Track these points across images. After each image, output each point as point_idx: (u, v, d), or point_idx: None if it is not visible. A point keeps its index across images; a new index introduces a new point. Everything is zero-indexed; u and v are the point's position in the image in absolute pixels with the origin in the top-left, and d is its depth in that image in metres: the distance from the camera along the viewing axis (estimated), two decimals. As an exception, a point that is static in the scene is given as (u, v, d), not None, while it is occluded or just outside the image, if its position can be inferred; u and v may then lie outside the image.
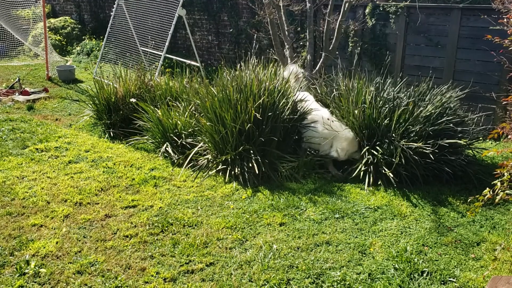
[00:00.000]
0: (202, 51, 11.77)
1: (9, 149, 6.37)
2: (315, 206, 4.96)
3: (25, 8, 13.06)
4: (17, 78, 9.69)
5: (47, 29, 11.68)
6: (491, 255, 3.97)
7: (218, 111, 5.77)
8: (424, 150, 5.25)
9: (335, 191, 5.33)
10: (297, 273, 3.79)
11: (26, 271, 3.80)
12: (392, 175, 5.28)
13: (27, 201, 4.99)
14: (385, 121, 5.64)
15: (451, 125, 5.67)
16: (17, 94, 9.23)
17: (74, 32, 14.15)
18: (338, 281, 3.67)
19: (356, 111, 5.80)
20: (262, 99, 5.70)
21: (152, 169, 5.88)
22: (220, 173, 5.68)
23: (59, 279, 3.72)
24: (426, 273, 3.78)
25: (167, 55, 9.33)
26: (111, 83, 7.42)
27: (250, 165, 5.49)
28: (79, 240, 4.28)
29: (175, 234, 4.41)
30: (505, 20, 3.99)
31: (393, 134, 5.53)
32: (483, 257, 4.05)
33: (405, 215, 4.78)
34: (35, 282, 3.69)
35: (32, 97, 9.11)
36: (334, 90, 6.31)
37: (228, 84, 5.99)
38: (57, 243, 4.21)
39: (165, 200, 5.08)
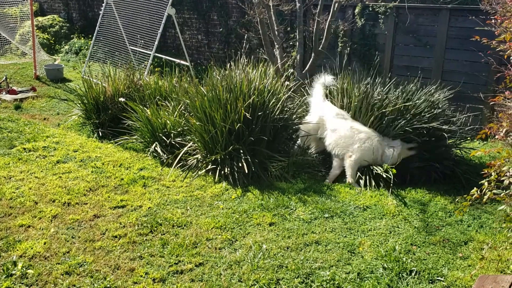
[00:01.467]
0: (192, 50, 11.74)
1: (-4, 149, 6.30)
2: (304, 206, 4.97)
3: (12, 6, 12.91)
4: (4, 77, 9.58)
5: (35, 28, 11.56)
6: (479, 254, 4.01)
7: (208, 110, 5.75)
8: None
9: (324, 191, 5.34)
10: (287, 273, 3.80)
11: (13, 272, 3.75)
12: (384, 175, 5.31)
13: (15, 201, 4.93)
14: (375, 121, 5.68)
15: (440, 125, 5.72)
16: (4, 93, 9.13)
17: (62, 31, 14.03)
18: (328, 281, 3.68)
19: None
20: (252, 98, 5.70)
21: (141, 169, 5.85)
22: (210, 173, 5.67)
23: (47, 280, 3.69)
24: (414, 272, 3.81)
25: (156, 54, 9.29)
26: (100, 82, 7.37)
27: (240, 164, 5.48)
28: (68, 241, 4.25)
29: (164, 234, 4.39)
30: (492, 21, 4.03)
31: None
32: (470, 256, 4.08)
33: (394, 215, 4.81)
34: (22, 283, 3.65)
35: (19, 96, 9.02)
36: (327, 90, 6.32)
37: (218, 83, 5.97)
38: (45, 243, 4.17)
39: (154, 200, 5.05)
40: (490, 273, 3.76)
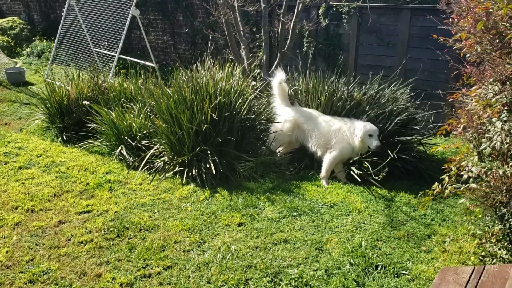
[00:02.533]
0: (158, 51, 11.62)
1: (-46, 156, 6.08)
2: (273, 205, 5.00)
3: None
4: (-38, 81, 9.27)
5: (-6, 30, 11.21)
6: (441, 247, 4.12)
7: (174, 112, 5.71)
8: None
9: (292, 189, 5.39)
10: (256, 273, 3.81)
11: (-26, 283, 3.64)
12: (353, 172, 5.40)
13: (-25, 209, 4.78)
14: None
15: (403, 122, 5.86)
16: (-38, 98, 8.82)
17: (23, 33, 13.65)
18: (296, 279, 3.72)
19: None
20: (218, 99, 5.69)
21: (107, 173, 5.76)
22: (177, 175, 5.63)
23: (10, 289, 3.59)
24: (380, 267, 3.89)
25: (121, 56, 9.15)
26: (63, 86, 7.21)
27: (208, 166, 5.47)
28: (31, 248, 4.14)
29: (131, 238, 4.34)
30: (450, 20, 4.15)
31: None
32: (434, 249, 4.20)
33: (360, 211, 4.90)
34: (-17, 294, 3.54)
35: (-22, 101, 8.73)
36: (291, 90, 6.37)
37: (184, 84, 5.94)
38: (7, 252, 4.06)
39: (121, 204, 4.99)
40: (452, 265, 3.88)
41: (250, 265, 3.92)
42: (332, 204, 5.05)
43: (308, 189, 5.43)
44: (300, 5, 7.36)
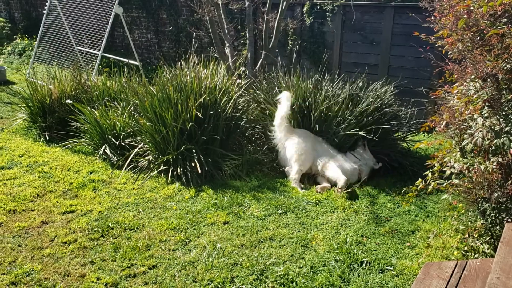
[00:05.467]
0: (142, 49, 11.54)
1: None
2: (258, 203, 5.00)
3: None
4: None
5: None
6: (425, 242, 4.16)
7: (158, 110, 5.68)
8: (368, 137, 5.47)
9: (278, 187, 5.40)
10: (241, 271, 3.81)
11: (-45, 285, 3.58)
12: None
13: (-45, 211, 4.70)
14: (326, 115, 5.80)
15: (387, 119, 5.91)
16: None
17: (4, 31, 13.45)
18: (282, 276, 3.72)
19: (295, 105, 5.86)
20: (203, 97, 5.67)
21: (91, 172, 5.71)
22: (162, 174, 5.60)
23: (-8, 291, 3.54)
24: (365, 263, 3.91)
25: (104, 54, 9.07)
26: (45, 84, 7.12)
27: (193, 164, 5.45)
28: (13, 249, 4.08)
29: (116, 238, 4.30)
30: (432, 18, 4.19)
31: (336, 127, 5.69)
32: (418, 245, 4.24)
33: (344, 208, 4.92)
34: (-36, 296, 3.48)
35: (-42, 100, 8.57)
36: (276, 87, 6.38)
37: (168, 83, 5.91)
38: (-12, 254, 4.00)
39: (105, 204, 4.94)
40: (436, 260, 3.92)
41: (236, 263, 3.91)
42: (317, 201, 5.07)
43: (293, 186, 5.43)
44: (285, 3, 7.36)
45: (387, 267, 3.88)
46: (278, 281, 3.67)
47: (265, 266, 3.87)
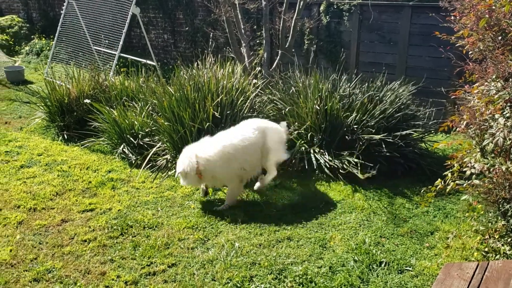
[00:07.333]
0: (158, 50, 11.60)
1: (-45, 155, 6.08)
2: (275, 203, 5.01)
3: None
4: (-38, 80, 9.26)
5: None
6: (444, 243, 4.13)
7: (176, 110, 5.72)
8: (387, 139, 5.46)
9: (295, 187, 5.40)
10: (260, 270, 3.82)
11: (-21, 281, 3.65)
12: (351, 170, 5.40)
13: (-23, 208, 4.78)
14: (344, 116, 5.77)
15: (404, 119, 5.87)
16: (-38, 97, 8.80)
17: (22, 31, 13.61)
18: (300, 275, 3.72)
19: (316, 106, 5.83)
20: (220, 97, 5.70)
21: (109, 171, 5.77)
22: (180, 173, 5.62)
23: (15, 288, 3.60)
24: (384, 263, 3.90)
25: (121, 54, 9.14)
26: (63, 84, 7.21)
27: (210, 164, 5.46)
28: (35, 247, 4.15)
29: (135, 236, 4.34)
30: (452, 17, 4.16)
31: (354, 128, 5.66)
32: (436, 246, 4.21)
33: (363, 208, 4.90)
34: (-12, 292, 3.55)
35: (-21, 99, 8.71)
36: (293, 87, 6.37)
37: (186, 83, 5.94)
38: (11, 251, 4.06)
39: (124, 202, 4.99)
40: (455, 261, 3.89)
41: (255, 262, 3.93)
42: (335, 201, 5.05)
43: (311, 187, 5.43)
44: (302, 2, 7.35)
45: (406, 268, 3.86)
46: (297, 281, 3.67)
47: (284, 266, 3.87)
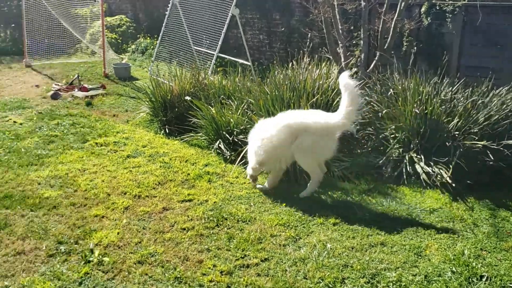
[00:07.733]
0: (253, 50, 11.87)
1: (70, 143, 6.68)
2: (369, 207, 4.94)
3: (84, 7, 13.63)
4: (76, 75, 10.15)
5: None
6: (555, 263, 3.83)
7: (271, 109, 5.84)
8: (491, 146, 5.19)
9: (389, 193, 5.28)
10: (352, 273, 3.80)
11: (91, 259, 3.99)
12: (449, 179, 5.17)
13: (89, 192, 5.23)
14: (445, 121, 5.55)
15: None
16: (76, 90, 9.64)
17: (129, 31, 14.61)
18: (394, 282, 3.65)
19: (415, 109, 5.65)
20: (316, 97, 5.72)
21: (206, 165, 6.03)
22: (273, 171, 5.74)
23: (122, 268, 3.89)
24: (485, 277, 3.70)
25: (219, 54, 9.49)
26: (166, 82, 7.64)
27: (303, 163, 5.51)
28: (139, 232, 4.46)
29: (229, 228, 4.51)
30: None
31: (455, 134, 5.43)
32: (546, 265, 3.91)
33: (462, 219, 4.68)
34: (99, 270, 3.87)
35: (90, 93, 9.49)
36: (391, 89, 6.22)
37: (282, 82, 6.04)
38: (118, 233, 4.40)
39: (219, 195, 5.20)
40: None
41: (347, 264, 3.91)
42: (431, 209, 4.87)
43: (405, 193, 5.28)
44: (403, 3, 7.16)
45: (510, 285, 3.63)
46: (390, 287, 3.60)
47: (377, 271, 3.82)
